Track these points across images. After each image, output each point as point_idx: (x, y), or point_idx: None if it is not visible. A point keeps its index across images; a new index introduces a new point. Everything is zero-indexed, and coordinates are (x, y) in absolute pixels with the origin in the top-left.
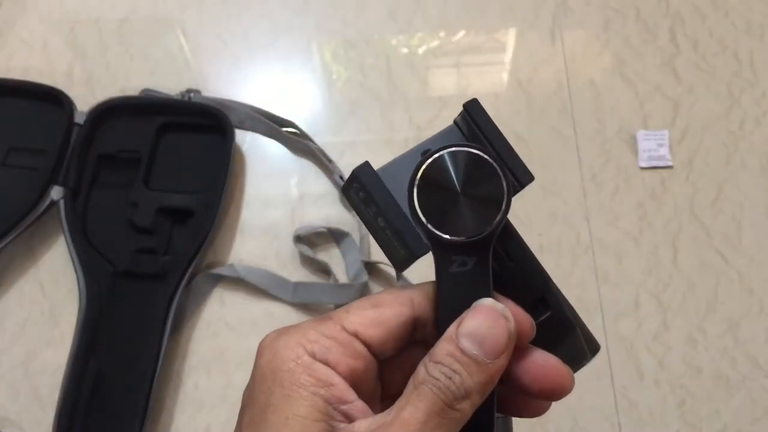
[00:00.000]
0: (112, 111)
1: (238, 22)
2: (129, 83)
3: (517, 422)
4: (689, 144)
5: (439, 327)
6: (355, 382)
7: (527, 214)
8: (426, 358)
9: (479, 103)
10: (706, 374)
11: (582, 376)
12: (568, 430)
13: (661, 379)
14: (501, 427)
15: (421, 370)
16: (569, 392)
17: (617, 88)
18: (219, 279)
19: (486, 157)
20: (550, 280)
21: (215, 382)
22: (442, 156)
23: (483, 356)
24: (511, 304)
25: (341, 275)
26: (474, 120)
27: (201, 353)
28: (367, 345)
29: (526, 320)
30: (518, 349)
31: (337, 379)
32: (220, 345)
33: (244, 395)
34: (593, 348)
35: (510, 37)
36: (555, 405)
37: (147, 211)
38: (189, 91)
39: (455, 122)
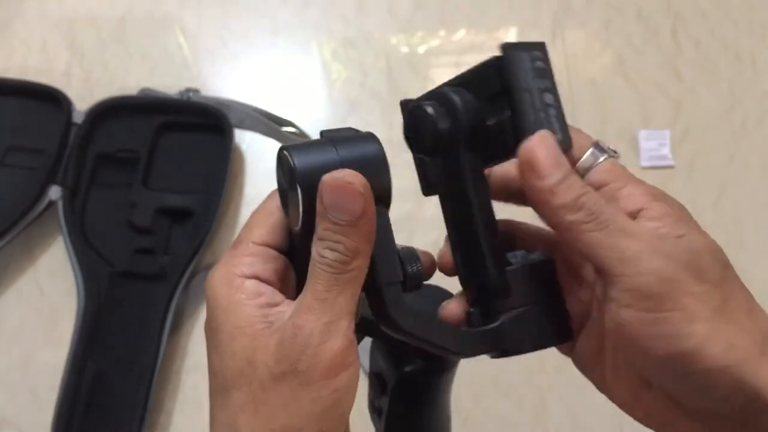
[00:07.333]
0: (110, 110)
1: (237, 21)
2: (128, 82)
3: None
4: (691, 144)
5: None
6: (281, 277)
7: (531, 214)
8: (314, 238)
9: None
10: None
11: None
12: (568, 430)
13: None
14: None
15: (313, 252)
16: None
17: (618, 88)
18: None
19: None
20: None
21: None
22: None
23: (351, 218)
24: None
25: None
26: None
27: (200, 354)
28: (275, 248)
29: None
30: None
31: (264, 288)
32: None
33: (204, 328)
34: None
35: (511, 36)
36: (555, 405)
37: (146, 211)
38: (188, 90)
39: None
